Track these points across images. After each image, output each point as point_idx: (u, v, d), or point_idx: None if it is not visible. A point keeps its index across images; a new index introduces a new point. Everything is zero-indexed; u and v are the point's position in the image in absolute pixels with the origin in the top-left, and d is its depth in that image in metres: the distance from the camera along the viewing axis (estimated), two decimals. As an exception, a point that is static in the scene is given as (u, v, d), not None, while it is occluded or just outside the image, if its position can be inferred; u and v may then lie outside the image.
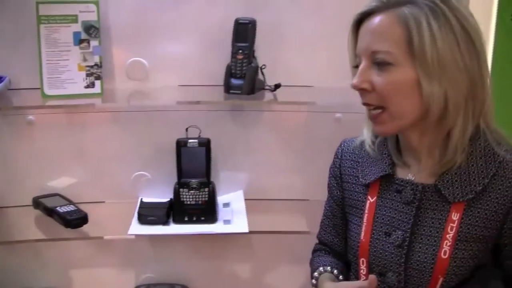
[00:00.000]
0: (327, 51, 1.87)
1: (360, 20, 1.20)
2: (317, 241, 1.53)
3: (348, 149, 1.39)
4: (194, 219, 1.84)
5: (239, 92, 1.79)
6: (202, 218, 1.84)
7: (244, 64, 1.79)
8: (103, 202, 1.97)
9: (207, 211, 1.84)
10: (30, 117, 1.88)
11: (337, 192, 1.40)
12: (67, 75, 1.79)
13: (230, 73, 1.80)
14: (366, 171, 1.31)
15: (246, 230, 1.79)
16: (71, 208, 1.84)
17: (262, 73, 1.85)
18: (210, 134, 1.85)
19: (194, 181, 1.83)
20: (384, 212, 1.27)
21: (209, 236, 1.92)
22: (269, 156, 1.98)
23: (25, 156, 1.91)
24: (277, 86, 1.84)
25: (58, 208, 1.83)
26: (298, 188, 2.00)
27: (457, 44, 1.11)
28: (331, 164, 1.45)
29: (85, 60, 1.80)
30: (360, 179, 1.32)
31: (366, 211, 1.29)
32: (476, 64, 1.13)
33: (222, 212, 1.89)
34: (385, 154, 1.29)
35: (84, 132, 1.93)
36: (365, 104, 1.20)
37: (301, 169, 1.98)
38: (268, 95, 1.86)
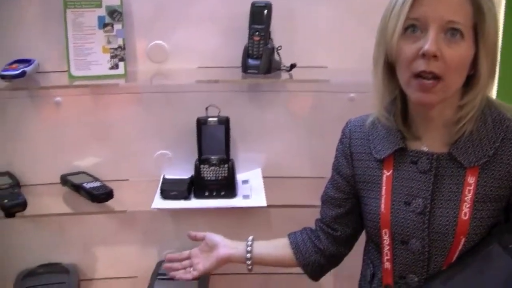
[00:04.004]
0: (341, 33, 1.94)
1: None
2: (319, 216, 1.58)
3: (356, 128, 1.44)
4: (214, 194, 1.91)
5: (256, 72, 1.86)
6: (222, 193, 1.91)
7: (260, 45, 1.85)
8: (127, 180, 2.05)
9: (226, 187, 1.92)
10: (57, 98, 1.96)
11: (347, 171, 1.44)
12: (92, 57, 1.87)
13: (247, 54, 1.87)
14: (379, 147, 1.36)
15: (265, 204, 1.86)
16: (97, 184, 1.92)
17: (278, 54, 1.91)
18: (229, 114, 1.93)
19: (214, 158, 1.91)
20: (402, 183, 1.32)
21: (228, 211, 2.00)
22: (286, 135, 2.04)
23: (52, 136, 1.99)
24: (293, 66, 1.91)
25: (84, 184, 1.91)
26: (314, 166, 2.05)
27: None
28: (337, 144, 1.50)
29: (109, 42, 1.88)
30: (374, 155, 1.36)
31: (384, 184, 1.34)
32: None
33: (241, 188, 1.96)
34: (395, 129, 1.34)
35: (108, 113, 2.00)
36: (424, 72, 1.18)
37: (316, 148, 2.03)
38: (284, 75, 1.91)
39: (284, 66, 1.92)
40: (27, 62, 1.84)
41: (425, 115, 1.30)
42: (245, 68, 1.87)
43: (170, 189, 1.91)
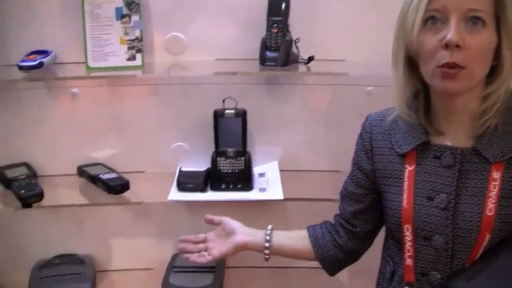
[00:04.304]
0: (359, 26, 1.93)
1: None
2: (338, 212, 1.57)
3: (377, 122, 1.42)
4: (231, 186, 1.91)
5: (274, 64, 1.84)
6: (239, 186, 1.91)
7: (278, 38, 1.84)
8: (143, 172, 2.05)
9: (243, 179, 1.91)
10: (74, 89, 1.95)
11: (367, 166, 1.43)
12: (109, 48, 1.87)
13: (265, 46, 1.86)
14: (401, 142, 1.34)
15: (281, 197, 1.85)
16: (113, 175, 1.93)
17: (296, 47, 1.90)
18: (246, 106, 1.92)
19: (230, 150, 1.90)
20: (425, 178, 1.30)
21: (244, 204, 1.99)
22: (303, 129, 2.03)
23: (69, 127, 1.99)
24: (311, 58, 1.89)
25: (101, 176, 1.92)
26: (331, 160, 2.04)
27: None
28: (358, 138, 1.48)
29: (126, 34, 1.87)
30: (395, 150, 1.35)
31: (406, 179, 1.32)
32: None
33: (257, 181, 1.96)
34: (417, 123, 1.32)
35: (125, 105, 2.00)
36: (447, 64, 1.17)
37: (333, 141, 2.03)
38: (302, 68, 1.90)
39: (302, 58, 1.90)
40: (45, 53, 1.84)
41: (449, 107, 1.28)
42: (263, 60, 1.86)
43: (186, 181, 1.91)
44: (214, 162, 1.92)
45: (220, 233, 1.63)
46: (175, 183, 1.93)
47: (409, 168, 1.32)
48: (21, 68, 1.77)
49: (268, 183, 1.95)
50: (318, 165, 2.05)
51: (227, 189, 1.91)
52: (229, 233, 1.60)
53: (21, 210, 1.87)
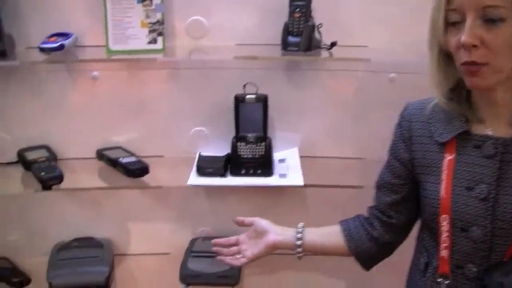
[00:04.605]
0: (383, 12, 1.90)
1: None
2: (372, 203, 1.52)
3: (416, 111, 1.38)
4: (251, 172, 1.90)
5: (296, 49, 1.83)
6: (259, 171, 1.90)
7: (301, 23, 1.83)
8: (162, 156, 2.04)
9: (263, 165, 1.90)
10: (95, 73, 1.95)
11: (405, 155, 1.38)
12: (130, 32, 1.86)
13: (287, 31, 1.85)
14: (440, 131, 1.30)
15: (301, 183, 1.83)
16: (133, 159, 1.93)
17: (319, 32, 1.88)
18: (266, 92, 1.90)
19: (251, 135, 1.89)
20: (464, 168, 1.26)
21: (264, 190, 1.99)
22: (323, 115, 2.02)
23: (89, 110, 1.99)
24: (333, 44, 1.87)
25: (120, 159, 1.91)
26: (351, 147, 2.03)
27: None
28: (396, 127, 1.43)
29: (147, 17, 1.86)
30: (435, 138, 1.31)
31: (445, 168, 1.28)
32: None
33: (277, 167, 1.94)
34: (457, 112, 1.29)
35: (145, 89, 1.99)
36: (467, 62, 1.15)
37: (355, 128, 2.01)
38: (324, 54, 1.88)
39: (325, 44, 1.88)
40: (66, 35, 1.84)
41: (488, 99, 1.24)
42: (285, 45, 1.85)
43: (206, 166, 1.91)
44: (234, 147, 1.91)
45: (251, 234, 1.59)
46: (194, 168, 1.93)
47: (449, 157, 1.28)
48: (42, 50, 1.78)
49: (288, 169, 1.93)
50: (338, 151, 2.03)
51: (247, 174, 1.90)
52: (260, 233, 1.56)
53: (40, 193, 1.88)
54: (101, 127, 2.02)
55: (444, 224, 1.26)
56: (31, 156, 1.93)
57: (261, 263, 1.99)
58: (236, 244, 1.60)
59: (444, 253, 1.27)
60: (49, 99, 1.98)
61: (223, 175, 1.90)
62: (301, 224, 1.54)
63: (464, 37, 1.12)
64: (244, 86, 1.90)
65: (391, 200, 1.43)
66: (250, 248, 1.56)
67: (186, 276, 1.93)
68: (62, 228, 2.08)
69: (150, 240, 2.13)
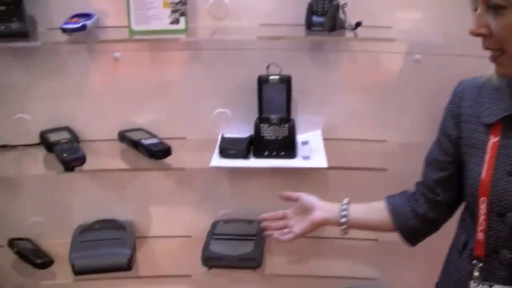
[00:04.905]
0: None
1: None
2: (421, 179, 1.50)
3: (468, 89, 1.35)
4: (274, 154, 1.88)
5: (320, 29, 1.80)
6: (282, 153, 1.88)
7: (325, 2, 1.80)
8: (184, 138, 2.03)
9: (286, 146, 1.89)
10: (117, 54, 1.93)
11: (453, 132, 1.37)
12: (153, 12, 1.83)
13: (311, 11, 1.82)
14: (488, 111, 1.28)
15: (325, 165, 1.82)
16: (155, 140, 1.92)
17: (343, 12, 1.85)
18: (290, 73, 1.87)
19: (274, 117, 1.88)
20: (508, 152, 1.24)
21: (286, 172, 1.97)
22: (347, 97, 1.99)
23: (111, 92, 1.98)
24: (358, 24, 1.84)
25: (143, 141, 1.90)
26: (375, 129, 2.00)
27: None
28: (447, 104, 1.41)
29: (170, -3, 1.85)
30: (482, 119, 1.29)
31: (488, 151, 1.26)
32: None
33: (300, 149, 1.92)
34: (507, 94, 1.26)
35: (167, 70, 1.98)
36: (485, 49, 1.18)
37: (378, 111, 1.98)
38: (348, 34, 1.85)
39: (349, 24, 1.85)
40: (88, 16, 1.83)
41: None
42: (309, 25, 1.82)
43: (229, 148, 1.89)
44: (257, 128, 1.89)
45: (298, 210, 1.59)
46: (217, 149, 1.91)
47: (493, 140, 1.26)
48: (64, 30, 1.76)
49: (312, 151, 1.91)
50: (362, 134, 2.00)
51: (270, 156, 1.89)
52: (307, 209, 1.56)
53: (63, 174, 1.88)
54: (123, 109, 2.00)
55: (482, 207, 1.25)
56: (53, 137, 1.92)
57: (283, 245, 2.02)
58: (282, 218, 1.60)
59: (480, 235, 1.27)
60: (70, 80, 1.96)
61: (246, 157, 1.89)
62: (346, 200, 1.54)
63: (471, 27, 1.16)
64: (268, 67, 1.87)
65: (438, 177, 1.42)
66: (297, 224, 1.56)
67: (208, 258, 1.93)
68: (84, 209, 2.09)
69: (171, 223, 2.13)
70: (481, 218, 1.26)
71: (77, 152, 1.84)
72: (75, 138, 1.94)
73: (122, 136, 1.98)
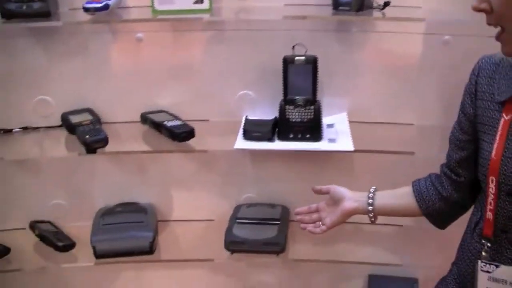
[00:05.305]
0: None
1: None
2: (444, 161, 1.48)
3: (485, 66, 1.32)
4: (299, 136, 1.85)
5: (347, 9, 1.76)
6: (307, 136, 1.85)
7: (353, -19, 1.76)
8: (207, 120, 2.00)
9: (312, 129, 1.85)
10: (139, 34, 1.91)
11: (470, 110, 1.34)
12: (177, -9, 1.81)
13: (338, -10, 1.79)
14: (502, 88, 1.25)
15: (352, 148, 1.78)
16: (178, 122, 1.89)
17: (371, -9, 1.81)
18: (316, 54, 1.83)
19: (300, 99, 1.84)
20: None
21: (311, 156, 1.95)
22: (374, 79, 1.95)
23: (133, 73, 1.96)
24: (386, 3, 1.79)
25: (165, 123, 1.88)
26: (402, 112, 1.96)
27: None
28: (467, 82, 1.37)
29: (194, -24, 1.81)
30: (496, 96, 1.26)
31: (500, 129, 1.23)
32: None
33: (326, 132, 1.89)
34: None
35: (191, 51, 1.95)
36: (488, 25, 1.17)
37: (406, 93, 1.94)
38: (376, 14, 1.80)
39: (377, 4, 1.81)
40: (110, -5, 1.80)
41: None
42: (336, 5, 1.78)
43: (253, 130, 1.86)
44: (282, 110, 1.85)
45: (329, 202, 1.59)
46: (241, 132, 1.88)
47: (505, 118, 1.23)
48: (86, 10, 1.73)
49: (338, 134, 1.87)
50: (389, 117, 1.96)
51: (295, 138, 1.85)
52: (337, 200, 1.56)
53: (84, 156, 1.87)
54: (145, 90, 1.98)
55: (492, 186, 1.24)
56: (75, 119, 1.90)
57: (307, 231, 1.99)
58: (316, 211, 1.61)
59: (489, 215, 1.26)
60: (92, 61, 1.94)
61: (270, 139, 1.85)
62: (373, 189, 1.53)
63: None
64: (293, 47, 1.83)
65: (459, 157, 1.39)
66: (328, 216, 1.57)
67: (231, 242, 1.91)
68: (106, 192, 2.08)
69: (194, 206, 2.12)
70: (490, 198, 1.25)
71: (100, 133, 1.81)
72: (97, 120, 1.92)
73: (144, 118, 1.95)
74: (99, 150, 1.81)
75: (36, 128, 1.97)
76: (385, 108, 1.97)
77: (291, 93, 1.84)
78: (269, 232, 1.93)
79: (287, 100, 1.85)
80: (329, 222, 1.55)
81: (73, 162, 2.02)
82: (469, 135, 1.35)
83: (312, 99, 1.84)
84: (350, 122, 1.93)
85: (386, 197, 1.52)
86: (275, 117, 1.90)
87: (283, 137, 1.86)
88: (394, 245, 2.10)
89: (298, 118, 1.84)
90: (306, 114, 1.84)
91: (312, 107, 1.84)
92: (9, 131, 1.95)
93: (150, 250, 1.92)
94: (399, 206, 1.52)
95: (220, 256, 1.99)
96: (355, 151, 1.79)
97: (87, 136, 1.79)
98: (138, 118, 1.98)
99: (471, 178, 1.39)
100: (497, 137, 1.23)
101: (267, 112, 1.94)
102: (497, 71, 1.28)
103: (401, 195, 1.51)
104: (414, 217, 1.51)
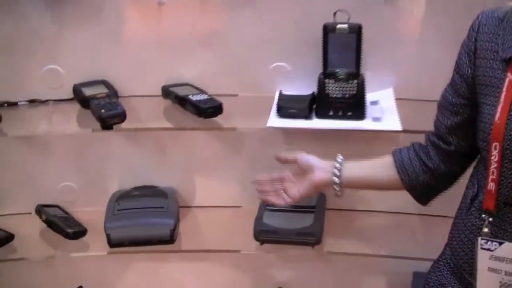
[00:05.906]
0: None
1: None
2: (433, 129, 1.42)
3: (487, 21, 1.23)
4: (340, 114, 1.71)
5: (399, -30, 1.60)
6: (349, 114, 1.70)
7: None
8: (236, 95, 1.87)
9: (355, 106, 1.70)
10: (162, -3, 1.77)
11: (467, 70, 1.26)
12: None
13: (387, -50, 1.62)
14: (508, 44, 1.17)
15: (399, 128, 1.64)
16: (204, 96, 1.76)
17: (423, -48, 1.64)
18: (360, 22, 1.67)
19: (341, 72, 1.68)
20: None
21: (351, 136, 1.80)
22: (424, 50, 1.78)
23: (154, 42, 1.83)
24: (442, -36, 1.62)
25: (190, 97, 1.74)
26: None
27: None
28: (464, 39, 1.30)
29: None
30: (500, 54, 1.18)
31: (504, 90, 1.16)
32: None
33: (370, 110, 1.74)
34: None
35: (218, 17, 1.81)
36: None
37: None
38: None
39: (431, -35, 1.64)
40: (129, -47, 1.64)
41: None
42: (385, -35, 1.61)
43: (288, 106, 1.72)
44: (321, 85, 1.70)
45: (296, 171, 1.54)
46: (274, 108, 1.74)
47: (510, 77, 1.15)
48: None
49: (383, 112, 1.73)
50: (439, 94, 1.76)
51: (335, 116, 1.71)
52: (305, 170, 1.50)
53: (98, 133, 1.74)
54: (167, 61, 1.84)
55: (494, 153, 1.17)
56: (89, 92, 1.76)
57: (345, 220, 1.83)
58: (280, 181, 1.56)
59: (491, 185, 1.19)
60: (108, 28, 1.80)
61: (307, 116, 1.71)
62: (340, 158, 1.49)
63: None
64: (334, 14, 1.67)
65: (451, 123, 1.33)
66: (296, 186, 1.52)
67: (261, 232, 1.77)
68: (122, 174, 1.98)
69: (219, 191, 2.00)
70: (493, 166, 1.18)
71: (116, 107, 1.68)
72: (113, 93, 1.78)
73: (167, 92, 1.81)
74: (115, 126, 1.67)
75: (44, 101, 1.85)
76: (436, 83, 1.76)
77: (332, 65, 1.70)
78: (304, 221, 1.79)
79: (326, 74, 1.70)
80: (296, 193, 1.50)
81: (86, 140, 1.91)
82: (464, 99, 1.29)
83: (355, 72, 1.69)
84: (396, 99, 1.79)
85: (357, 168, 1.48)
86: (313, 92, 1.76)
87: (322, 115, 1.72)
88: (441, 238, 1.94)
89: (339, 93, 1.70)
90: (348, 89, 1.69)
91: (355, 81, 1.68)
92: (14, 104, 1.83)
93: (171, 239, 1.78)
94: (375, 177, 1.47)
95: (247, 247, 1.86)
96: (402, 131, 1.65)
97: (103, 111, 1.66)
98: (158, 92, 1.84)
99: (462, 147, 1.34)
100: (501, 99, 1.16)
101: (304, 87, 1.80)
102: (500, 27, 1.20)
103: (379, 166, 1.46)
104: (394, 190, 1.45)
